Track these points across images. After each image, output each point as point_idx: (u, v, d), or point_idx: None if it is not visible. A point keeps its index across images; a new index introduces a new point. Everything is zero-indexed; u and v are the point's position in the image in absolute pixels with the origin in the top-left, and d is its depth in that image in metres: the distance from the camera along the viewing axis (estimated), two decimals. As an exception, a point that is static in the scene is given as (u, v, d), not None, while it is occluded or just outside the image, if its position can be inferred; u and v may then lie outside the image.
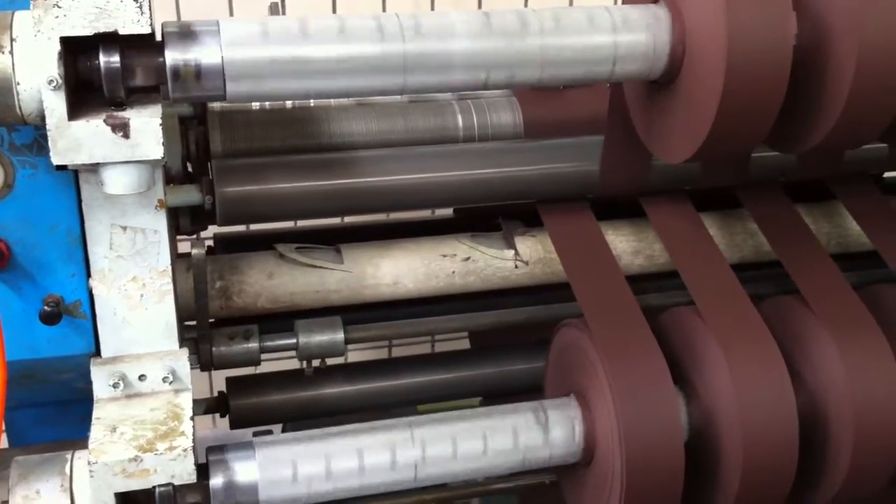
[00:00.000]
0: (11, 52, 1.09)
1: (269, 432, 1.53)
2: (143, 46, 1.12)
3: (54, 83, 1.06)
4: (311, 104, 1.69)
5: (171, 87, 1.14)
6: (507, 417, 1.39)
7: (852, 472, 1.38)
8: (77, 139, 1.09)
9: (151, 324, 1.29)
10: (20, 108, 1.10)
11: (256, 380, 1.68)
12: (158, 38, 1.14)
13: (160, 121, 1.11)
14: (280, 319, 1.54)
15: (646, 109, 1.41)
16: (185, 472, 1.21)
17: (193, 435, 1.22)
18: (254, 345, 1.50)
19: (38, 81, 1.07)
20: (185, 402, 1.28)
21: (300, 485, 1.30)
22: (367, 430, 1.35)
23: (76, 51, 1.10)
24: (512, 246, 1.60)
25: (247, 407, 1.64)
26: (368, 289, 1.55)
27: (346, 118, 1.63)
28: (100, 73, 1.10)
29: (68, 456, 1.27)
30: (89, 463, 1.18)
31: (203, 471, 1.27)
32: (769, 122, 1.27)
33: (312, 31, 1.17)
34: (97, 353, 1.29)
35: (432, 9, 2.54)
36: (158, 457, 1.19)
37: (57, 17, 1.06)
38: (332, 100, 1.69)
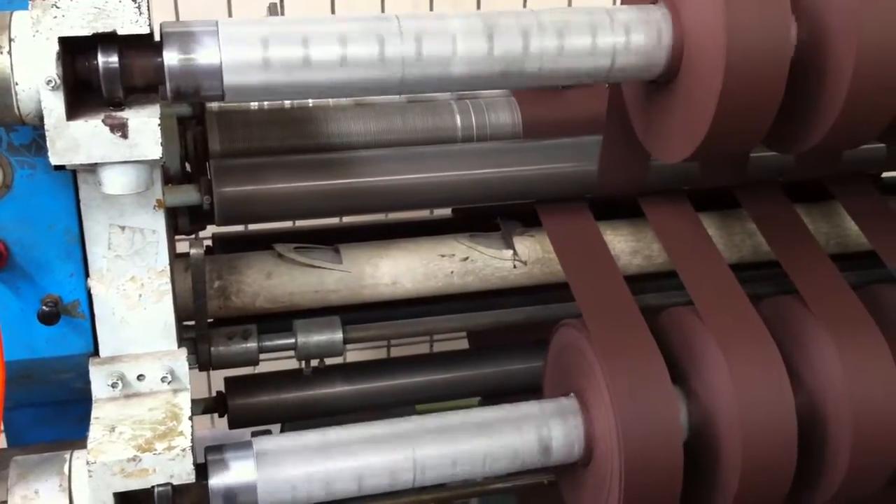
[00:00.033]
0: (10, 53, 1.09)
1: (268, 432, 1.53)
2: (141, 47, 1.12)
3: (53, 83, 1.06)
4: (310, 104, 1.69)
5: (169, 87, 1.14)
6: (505, 417, 1.39)
7: (851, 472, 1.38)
8: (75, 139, 1.09)
9: (150, 324, 1.29)
10: (18, 108, 1.10)
11: (255, 380, 1.68)
12: (157, 38, 1.14)
13: (158, 121, 1.11)
14: (279, 319, 1.54)
15: (644, 109, 1.41)
16: (183, 472, 1.21)
17: (192, 435, 1.22)
18: (252, 345, 1.50)
19: (37, 81, 1.07)
20: (184, 401, 1.28)
21: (299, 485, 1.30)
22: (366, 429, 1.35)
23: (74, 51, 1.10)
24: (510, 246, 1.60)
25: (245, 407, 1.64)
26: (367, 289, 1.55)
27: (345, 118, 1.63)
28: (98, 74, 1.10)
29: (67, 456, 1.27)
30: (88, 463, 1.18)
31: (202, 471, 1.27)
32: (767, 122, 1.28)
33: (311, 32, 1.17)
34: (95, 352, 1.29)
35: (431, 9, 2.54)
36: (157, 457, 1.19)
37: (55, 17, 1.06)
38: (330, 100, 1.69)
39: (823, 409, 1.40)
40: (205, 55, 1.14)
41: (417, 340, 2.60)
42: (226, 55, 1.14)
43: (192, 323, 1.46)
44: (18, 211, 1.22)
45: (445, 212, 1.82)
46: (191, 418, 1.25)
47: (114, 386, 1.27)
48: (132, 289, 1.27)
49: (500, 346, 1.79)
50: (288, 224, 1.86)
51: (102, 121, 1.09)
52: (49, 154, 1.09)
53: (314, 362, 1.55)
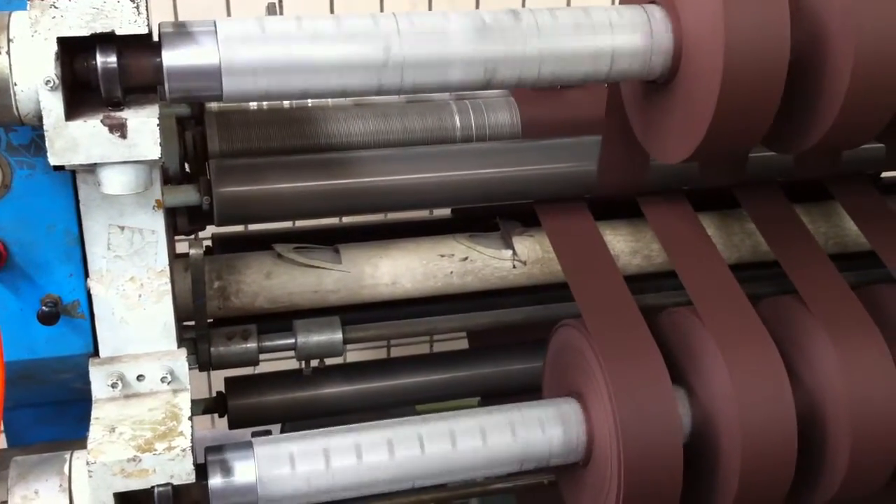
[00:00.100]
0: (8, 53, 1.09)
1: (268, 432, 1.53)
2: (140, 47, 1.12)
3: (51, 83, 1.06)
4: (309, 104, 1.69)
5: (168, 87, 1.14)
6: (505, 417, 1.39)
7: (850, 472, 1.38)
8: (74, 139, 1.09)
9: (149, 324, 1.29)
10: (17, 108, 1.10)
11: (255, 380, 1.68)
12: (155, 38, 1.14)
13: (157, 121, 1.11)
14: (278, 319, 1.54)
15: (643, 109, 1.41)
16: (183, 472, 1.20)
17: (192, 435, 1.22)
18: (252, 345, 1.50)
19: (36, 82, 1.07)
20: (184, 402, 1.28)
21: (299, 485, 1.30)
22: (366, 430, 1.35)
23: (73, 51, 1.10)
24: (510, 246, 1.60)
25: (245, 407, 1.64)
26: (367, 289, 1.55)
27: (344, 118, 1.63)
28: (97, 74, 1.10)
29: (67, 456, 1.27)
30: (88, 463, 1.18)
31: (202, 471, 1.27)
32: (766, 122, 1.28)
33: (310, 32, 1.17)
34: (95, 353, 1.29)
35: (429, 8, 2.54)
36: (157, 457, 1.19)
37: (54, 17, 1.06)
38: (329, 100, 1.69)
39: (823, 409, 1.40)
40: (203, 55, 1.14)
41: (417, 340, 2.60)
42: (224, 55, 1.14)
43: (191, 323, 1.46)
44: (18, 211, 1.22)
45: (445, 212, 1.82)
46: (191, 418, 1.25)
47: (114, 386, 1.27)
48: (132, 289, 1.27)
49: (500, 346, 1.79)
50: (287, 224, 1.86)
51: (101, 121, 1.09)
52: (48, 154, 1.09)
53: (314, 362, 1.55)
